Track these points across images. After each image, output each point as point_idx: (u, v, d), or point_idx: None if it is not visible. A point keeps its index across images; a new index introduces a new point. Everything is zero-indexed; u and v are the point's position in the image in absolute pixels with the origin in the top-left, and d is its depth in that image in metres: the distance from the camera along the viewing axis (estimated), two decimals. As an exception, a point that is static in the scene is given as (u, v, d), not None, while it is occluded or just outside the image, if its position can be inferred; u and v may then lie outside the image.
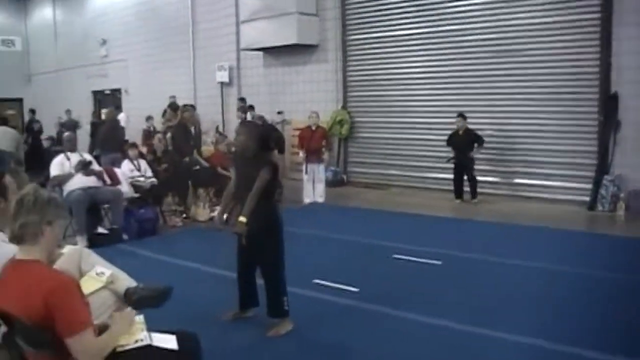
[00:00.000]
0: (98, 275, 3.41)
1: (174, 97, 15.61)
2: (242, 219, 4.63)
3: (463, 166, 11.04)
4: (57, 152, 9.30)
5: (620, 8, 9.91)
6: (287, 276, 4.88)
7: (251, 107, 13.69)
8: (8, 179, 3.63)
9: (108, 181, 8.40)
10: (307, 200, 11.36)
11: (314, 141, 11.27)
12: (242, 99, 14.31)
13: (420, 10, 12.62)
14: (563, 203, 10.55)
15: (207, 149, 12.77)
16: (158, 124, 14.32)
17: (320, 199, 11.34)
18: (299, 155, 11.86)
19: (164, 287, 3.69)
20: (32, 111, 19.89)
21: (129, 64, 19.74)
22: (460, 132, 11.00)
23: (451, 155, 11.21)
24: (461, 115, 11.02)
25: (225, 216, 5.06)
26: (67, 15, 22.77)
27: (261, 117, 12.27)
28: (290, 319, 4.84)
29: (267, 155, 4.99)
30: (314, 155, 11.29)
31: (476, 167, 11.12)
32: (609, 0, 9.99)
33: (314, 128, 11.38)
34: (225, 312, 5.09)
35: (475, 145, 10.92)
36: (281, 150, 11.96)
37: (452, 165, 11.22)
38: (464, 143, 10.97)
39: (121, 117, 15.12)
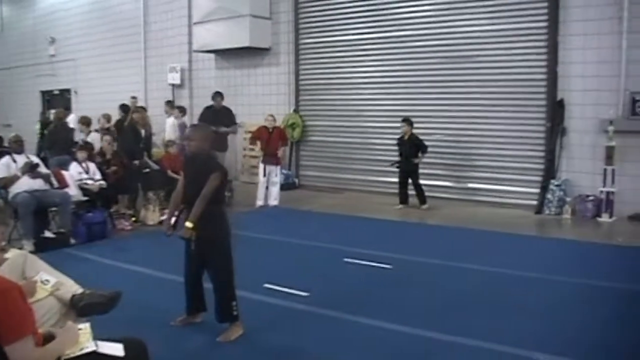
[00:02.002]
0: (43, 284, 3.36)
1: (135, 98, 15.19)
2: (189, 224, 4.60)
3: (407, 172, 10.97)
4: (2, 154, 9.05)
5: (566, 18, 10.19)
6: (238, 280, 4.86)
7: (182, 109, 13.80)
8: None
9: (56, 184, 8.24)
10: (259, 203, 11.25)
11: (272, 143, 11.19)
12: (170, 102, 14.38)
13: (372, 15, 12.74)
14: (511, 207, 10.76)
15: (158, 151, 12.61)
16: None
17: (275, 202, 11.27)
18: (253, 158, 11.73)
19: (112, 293, 3.65)
20: None
21: (79, 64, 19.31)
22: (405, 137, 10.89)
23: (397, 159, 11.08)
24: (406, 120, 10.89)
25: (173, 220, 4.99)
26: (15, 12, 22.15)
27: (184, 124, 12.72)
28: (240, 324, 4.80)
29: (217, 161, 4.97)
30: (272, 157, 11.23)
31: (426, 171, 11.23)
32: (555, 10, 10.26)
33: (270, 130, 11.30)
34: (174, 317, 5.03)
35: (420, 153, 10.83)
36: (231, 122, 11.78)
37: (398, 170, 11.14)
38: (408, 149, 10.86)
39: (70, 118, 14.80)
